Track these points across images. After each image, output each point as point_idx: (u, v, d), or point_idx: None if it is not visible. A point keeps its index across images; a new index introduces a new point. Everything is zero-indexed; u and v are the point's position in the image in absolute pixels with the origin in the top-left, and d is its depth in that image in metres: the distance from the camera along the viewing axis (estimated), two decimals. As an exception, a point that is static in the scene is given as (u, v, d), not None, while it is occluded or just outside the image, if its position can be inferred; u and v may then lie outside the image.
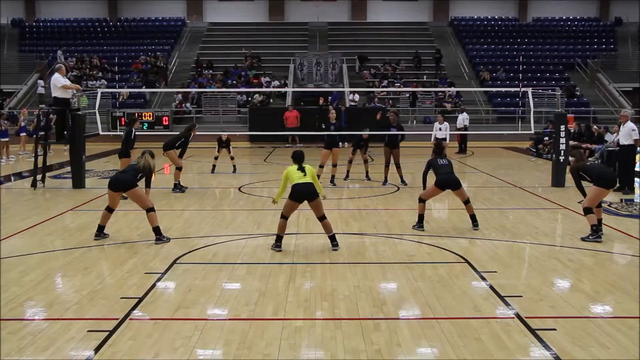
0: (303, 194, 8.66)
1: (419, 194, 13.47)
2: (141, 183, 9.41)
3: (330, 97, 30.13)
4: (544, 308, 6.40)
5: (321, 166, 14.86)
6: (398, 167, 14.86)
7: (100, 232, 9.45)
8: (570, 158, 9.84)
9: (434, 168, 10.15)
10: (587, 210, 9.27)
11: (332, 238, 8.92)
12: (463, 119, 23.70)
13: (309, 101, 30.54)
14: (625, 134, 13.89)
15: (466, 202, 10.16)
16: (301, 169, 8.78)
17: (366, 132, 15.16)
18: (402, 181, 14.85)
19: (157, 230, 9.20)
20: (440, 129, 18.71)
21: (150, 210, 9.18)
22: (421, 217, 10.18)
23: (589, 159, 19.80)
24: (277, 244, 8.84)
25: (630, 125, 13.82)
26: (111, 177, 9.67)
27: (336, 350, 5.35)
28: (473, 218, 10.16)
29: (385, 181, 15.09)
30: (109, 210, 9.35)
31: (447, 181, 9.97)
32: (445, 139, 17.97)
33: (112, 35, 38.79)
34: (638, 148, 14.18)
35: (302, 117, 26.57)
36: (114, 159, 21.21)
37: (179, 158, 14.31)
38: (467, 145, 23.66)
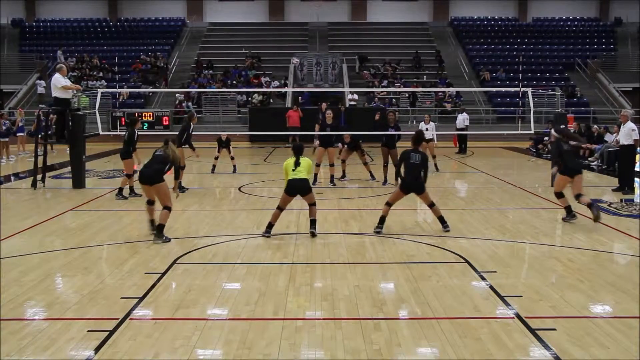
0: (296, 189, 9.46)
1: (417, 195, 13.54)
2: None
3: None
4: (544, 308, 6.40)
5: (317, 164, 14.99)
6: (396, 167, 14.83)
7: (153, 226, 9.47)
8: (555, 134, 10.29)
9: (405, 164, 9.85)
10: (558, 195, 10.62)
11: (313, 222, 9.62)
12: (463, 119, 23.66)
13: (309, 101, 30.53)
14: (625, 134, 13.88)
15: (431, 205, 9.91)
16: (297, 163, 9.41)
17: (347, 133, 15.26)
18: None
19: (161, 227, 9.20)
20: (426, 129, 18.59)
21: (166, 208, 9.21)
22: (382, 219, 9.87)
23: (589, 158, 19.93)
24: (267, 231, 9.57)
25: (630, 125, 13.80)
26: (140, 170, 9.52)
27: (336, 350, 5.35)
28: (441, 220, 9.92)
29: (385, 181, 15.08)
30: (150, 203, 9.52)
31: (411, 186, 9.82)
32: (432, 139, 17.94)
33: (112, 35, 38.81)
34: (638, 148, 14.18)
35: (302, 118, 26.52)
36: (114, 158, 21.20)
37: (192, 150, 14.29)
38: (467, 145, 23.65)
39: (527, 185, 15.07)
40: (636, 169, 16.95)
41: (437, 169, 17.46)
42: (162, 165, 9.23)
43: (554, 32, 38.76)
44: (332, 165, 15.14)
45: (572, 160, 10.65)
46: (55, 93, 14.25)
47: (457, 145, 23.77)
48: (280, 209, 9.57)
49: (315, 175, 15.01)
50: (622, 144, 14.12)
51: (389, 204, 9.94)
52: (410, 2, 40.26)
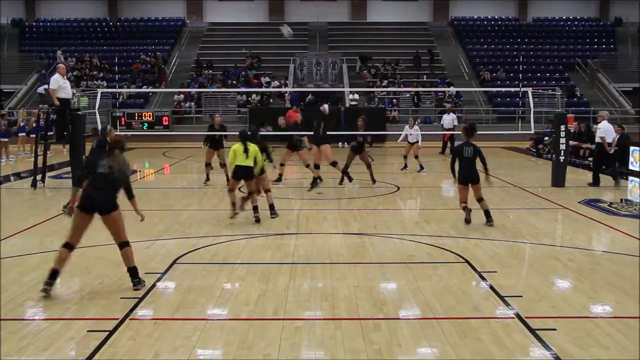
0: (241, 175, 10.56)
1: (417, 194, 13.58)
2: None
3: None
4: (544, 308, 6.40)
5: (317, 166, 14.33)
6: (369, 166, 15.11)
7: (54, 277, 6.75)
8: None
9: (459, 159, 10.25)
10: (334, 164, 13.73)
11: (272, 207, 10.85)
12: (452, 119, 23.44)
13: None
14: (598, 133, 15.19)
15: (480, 199, 10.33)
16: (245, 150, 10.41)
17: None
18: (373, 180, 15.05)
19: (136, 270, 7.06)
20: (410, 134, 18.51)
21: (126, 244, 7.06)
22: (486, 213, 10.30)
23: (589, 159, 19.89)
24: (234, 210, 10.75)
25: (601, 124, 15.06)
26: (87, 195, 6.95)
27: (336, 350, 5.35)
28: (487, 214, 10.32)
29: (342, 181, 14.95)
30: (69, 246, 6.92)
31: (467, 177, 10.21)
32: (417, 142, 18.03)
33: (112, 35, 38.80)
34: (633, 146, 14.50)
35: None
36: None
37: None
38: (454, 145, 23.13)
39: (527, 185, 15.07)
40: (634, 168, 17.03)
41: (410, 168, 17.91)
42: (116, 186, 7.04)
43: (554, 32, 38.76)
44: (333, 164, 14.47)
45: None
46: (58, 93, 14.25)
47: (442, 145, 23.41)
48: (232, 189, 10.86)
49: (320, 178, 14.31)
50: (595, 142, 15.43)
51: (464, 202, 10.30)
52: (410, 2, 40.25)
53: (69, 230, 6.90)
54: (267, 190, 11.13)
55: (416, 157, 17.86)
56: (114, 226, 6.92)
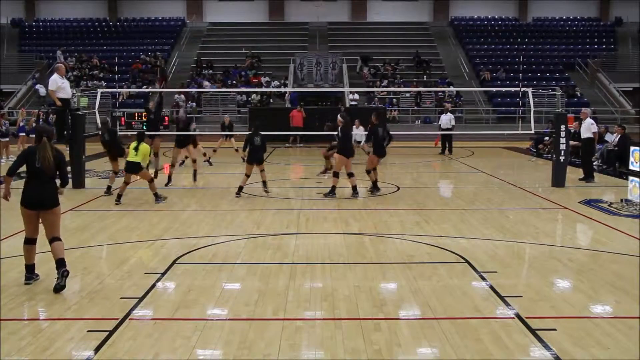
0: (130, 169, 12.22)
1: (417, 194, 13.57)
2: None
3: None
4: (544, 308, 6.40)
5: (336, 174, 13.24)
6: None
7: (32, 272, 7.39)
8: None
9: (376, 138, 13.24)
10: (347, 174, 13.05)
11: (156, 195, 12.40)
12: (449, 119, 23.38)
13: (309, 101, 30.52)
14: (585, 128, 15.70)
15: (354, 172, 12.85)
16: (136, 148, 12.06)
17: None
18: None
19: (64, 261, 7.10)
20: (355, 134, 18.47)
21: (58, 239, 7.24)
22: (334, 189, 12.97)
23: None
24: (117, 200, 12.26)
25: (589, 120, 15.76)
26: (29, 193, 7.42)
27: (336, 350, 5.35)
28: (354, 189, 12.83)
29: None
30: (31, 242, 7.38)
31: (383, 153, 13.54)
32: (360, 142, 18.20)
33: (112, 35, 38.78)
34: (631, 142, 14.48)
35: (305, 118, 26.38)
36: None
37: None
38: (452, 145, 23.22)
39: (527, 185, 15.07)
40: (634, 168, 17.05)
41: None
42: (54, 180, 7.28)
43: (554, 32, 38.74)
44: (348, 174, 13.17)
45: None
46: (57, 93, 14.23)
47: (441, 145, 23.37)
48: (128, 183, 12.52)
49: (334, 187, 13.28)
50: (583, 137, 15.82)
51: (369, 171, 13.37)
52: (410, 2, 40.24)
53: (25, 226, 7.35)
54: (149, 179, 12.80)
55: (367, 153, 17.74)
56: (51, 221, 7.23)
